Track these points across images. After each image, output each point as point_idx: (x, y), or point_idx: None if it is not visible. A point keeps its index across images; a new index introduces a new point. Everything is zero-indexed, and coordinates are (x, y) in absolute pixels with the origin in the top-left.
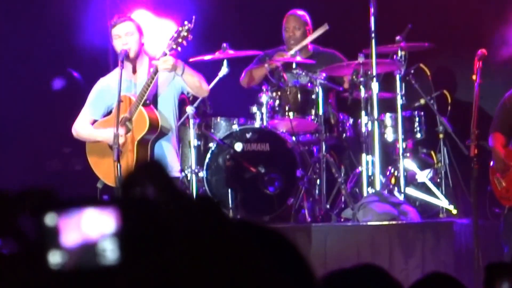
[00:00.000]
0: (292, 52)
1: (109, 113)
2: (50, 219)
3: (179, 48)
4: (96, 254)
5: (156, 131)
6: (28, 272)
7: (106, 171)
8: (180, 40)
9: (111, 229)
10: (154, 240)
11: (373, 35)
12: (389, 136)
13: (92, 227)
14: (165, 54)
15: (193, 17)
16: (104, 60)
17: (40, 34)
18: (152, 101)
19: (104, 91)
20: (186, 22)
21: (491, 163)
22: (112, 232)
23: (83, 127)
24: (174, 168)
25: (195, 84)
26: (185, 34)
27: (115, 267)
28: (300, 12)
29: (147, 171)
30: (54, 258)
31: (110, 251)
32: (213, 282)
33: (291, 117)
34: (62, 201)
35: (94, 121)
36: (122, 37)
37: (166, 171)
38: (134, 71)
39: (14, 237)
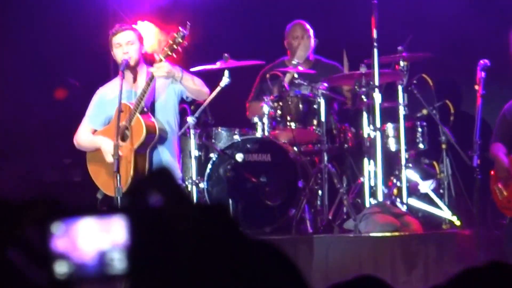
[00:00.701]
0: (294, 62)
1: (108, 122)
2: (56, 228)
3: (174, 55)
4: (104, 263)
5: (154, 138)
6: (35, 283)
7: (105, 181)
8: (175, 46)
9: (119, 238)
10: (162, 248)
11: (375, 44)
12: (392, 146)
13: (100, 236)
14: (160, 61)
15: (188, 23)
16: (104, 70)
17: (40, 44)
18: (150, 108)
19: (103, 101)
20: (180, 29)
21: (492, 172)
22: (120, 241)
23: (83, 136)
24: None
25: (195, 88)
26: (180, 40)
27: (123, 277)
28: (304, 22)
29: (155, 178)
30: (61, 268)
31: (118, 261)
32: None
33: (293, 127)
34: (69, 210)
35: (94, 131)
36: (123, 45)
37: (174, 178)
38: (135, 80)
39: (20, 247)
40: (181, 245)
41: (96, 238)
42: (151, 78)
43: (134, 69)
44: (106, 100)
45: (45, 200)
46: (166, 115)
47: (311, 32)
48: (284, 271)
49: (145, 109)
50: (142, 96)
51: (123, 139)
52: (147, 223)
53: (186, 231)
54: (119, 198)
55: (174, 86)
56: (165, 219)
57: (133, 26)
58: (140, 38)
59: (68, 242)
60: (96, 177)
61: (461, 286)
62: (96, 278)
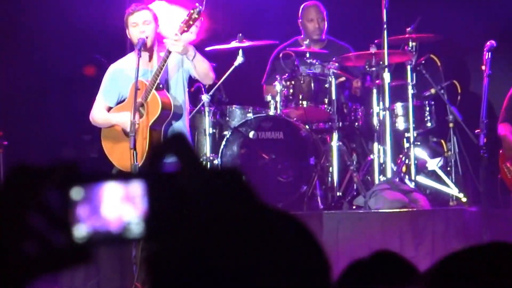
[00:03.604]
0: (307, 42)
1: (122, 100)
2: (75, 193)
3: (190, 31)
4: (121, 227)
5: (169, 114)
6: (55, 246)
7: (120, 157)
8: (191, 22)
9: (137, 203)
10: (178, 213)
11: (385, 26)
12: (400, 125)
13: (118, 201)
14: (176, 36)
15: (204, 0)
16: (120, 47)
17: (61, 21)
18: (164, 85)
19: (116, 77)
20: (197, 4)
21: (501, 151)
22: (138, 206)
23: (98, 114)
24: None
25: (204, 70)
26: (196, 16)
27: (140, 240)
28: (318, 3)
29: (173, 144)
30: (80, 232)
31: (135, 225)
32: (235, 254)
33: (305, 105)
34: (89, 175)
35: (109, 108)
36: (140, 25)
37: (189, 143)
38: (150, 59)
39: (41, 211)
40: (196, 209)
41: (115, 203)
42: (167, 54)
43: (150, 49)
44: (119, 76)
45: (66, 165)
46: (179, 92)
47: (325, 13)
48: (303, 241)
49: (160, 86)
50: (158, 72)
51: (139, 116)
52: (163, 188)
53: (200, 195)
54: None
55: (185, 65)
56: (180, 184)
57: (149, 6)
58: (156, 18)
59: (87, 207)
60: (110, 153)
61: (463, 262)
62: (114, 242)
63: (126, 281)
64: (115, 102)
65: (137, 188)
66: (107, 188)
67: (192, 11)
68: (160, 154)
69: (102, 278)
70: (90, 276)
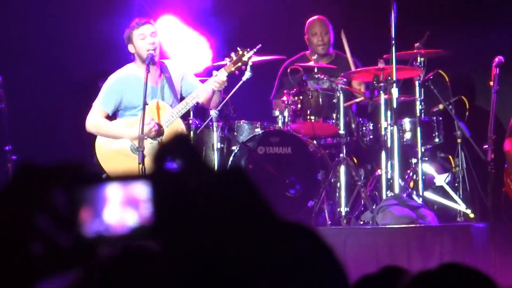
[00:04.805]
0: (315, 57)
1: (117, 110)
2: (81, 193)
3: (237, 72)
4: (127, 227)
5: None
6: (61, 246)
7: (118, 169)
8: (239, 64)
9: (142, 203)
10: (182, 213)
11: (393, 41)
12: (408, 140)
13: (123, 201)
14: (222, 76)
15: (259, 45)
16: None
17: (72, 36)
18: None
19: (119, 85)
20: (249, 49)
21: (506, 166)
22: (143, 206)
23: (102, 122)
24: None
25: (217, 101)
26: (246, 60)
27: (146, 240)
28: (323, 17)
29: (176, 145)
30: (85, 232)
31: (140, 225)
32: (240, 255)
33: (313, 120)
34: (94, 175)
35: (107, 116)
36: (147, 37)
37: (192, 144)
38: (159, 76)
39: (47, 211)
40: (200, 209)
41: (120, 203)
42: (207, 89)
43: (155, 64)
44: (122, 84)
45: (72, 165)
46: (174, 105)
47: (330, 27)
48: (309, 245)
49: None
50: (191, 102)
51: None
52: (167, 188)
53: (204, 195)
54: None
55: (183, 84)
56: (184, 184)
57: (159, 20)
58: (159, 33)
59: (93, 207)
60: (106, 162)
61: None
62: (120, 241)
63: None
64: (112, 110)
65: (142, 188)
66: (112, 189)
67: (241, 53)
68: (164, 155)
69: None
70: None
